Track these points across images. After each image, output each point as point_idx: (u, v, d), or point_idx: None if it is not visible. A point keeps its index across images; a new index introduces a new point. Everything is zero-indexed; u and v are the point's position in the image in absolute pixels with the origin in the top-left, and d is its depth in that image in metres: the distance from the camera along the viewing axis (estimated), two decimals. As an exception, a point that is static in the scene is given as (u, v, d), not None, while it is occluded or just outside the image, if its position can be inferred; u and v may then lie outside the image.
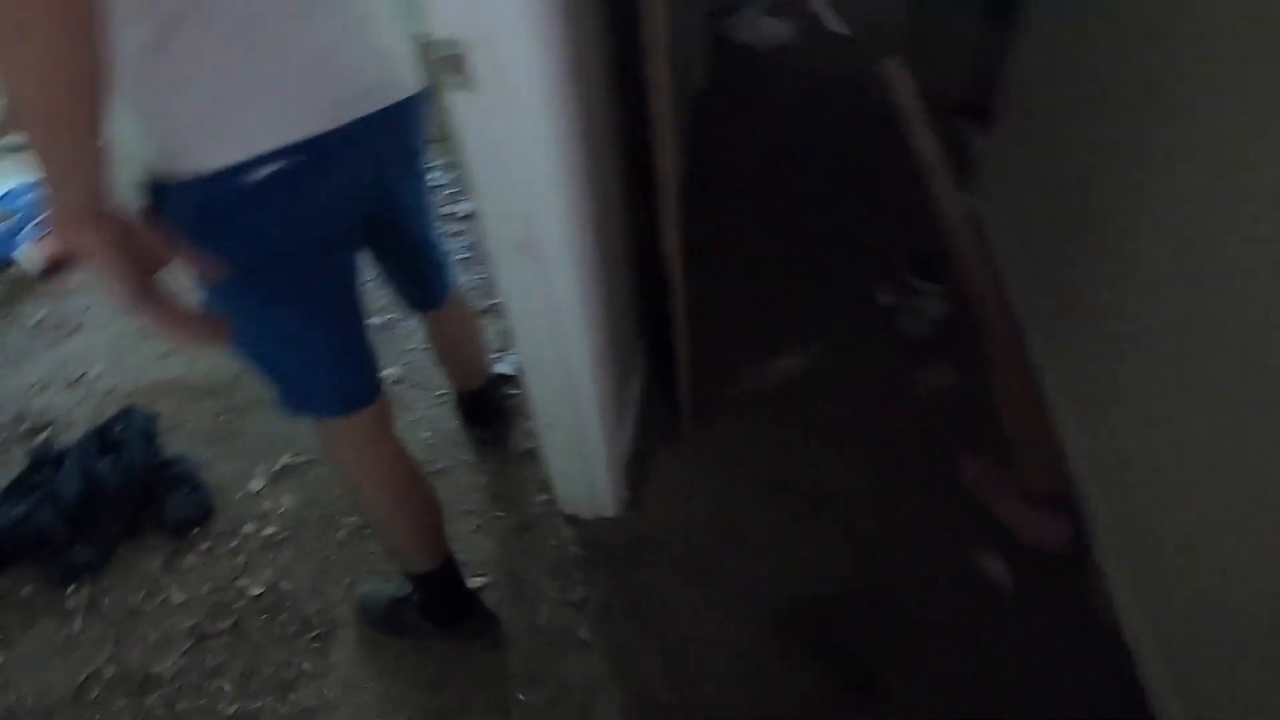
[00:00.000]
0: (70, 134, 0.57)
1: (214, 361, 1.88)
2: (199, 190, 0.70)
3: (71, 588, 1.41)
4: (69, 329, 2.04)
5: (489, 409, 1.57)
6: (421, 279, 1.20)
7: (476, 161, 0.88)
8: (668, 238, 1.11)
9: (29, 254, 2.23)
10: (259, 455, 1.63)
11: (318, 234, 0.82)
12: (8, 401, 1.83)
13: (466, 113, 0.83)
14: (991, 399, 1.57)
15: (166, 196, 0.72)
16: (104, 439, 1.65)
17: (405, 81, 0.84)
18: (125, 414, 1.71)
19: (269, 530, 1.47)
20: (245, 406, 1.75)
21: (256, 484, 1.56)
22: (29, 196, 2.55)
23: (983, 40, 2.23)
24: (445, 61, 0.79)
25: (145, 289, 0.68)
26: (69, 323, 2.05)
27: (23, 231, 2.34)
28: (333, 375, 0.92)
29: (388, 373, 1.76)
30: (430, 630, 1.23)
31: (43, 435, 1.73)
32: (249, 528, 1.48)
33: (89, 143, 0.59)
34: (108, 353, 1.94)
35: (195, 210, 0.72)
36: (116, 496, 1.52)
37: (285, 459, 1.61)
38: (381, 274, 1.17)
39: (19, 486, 1.57)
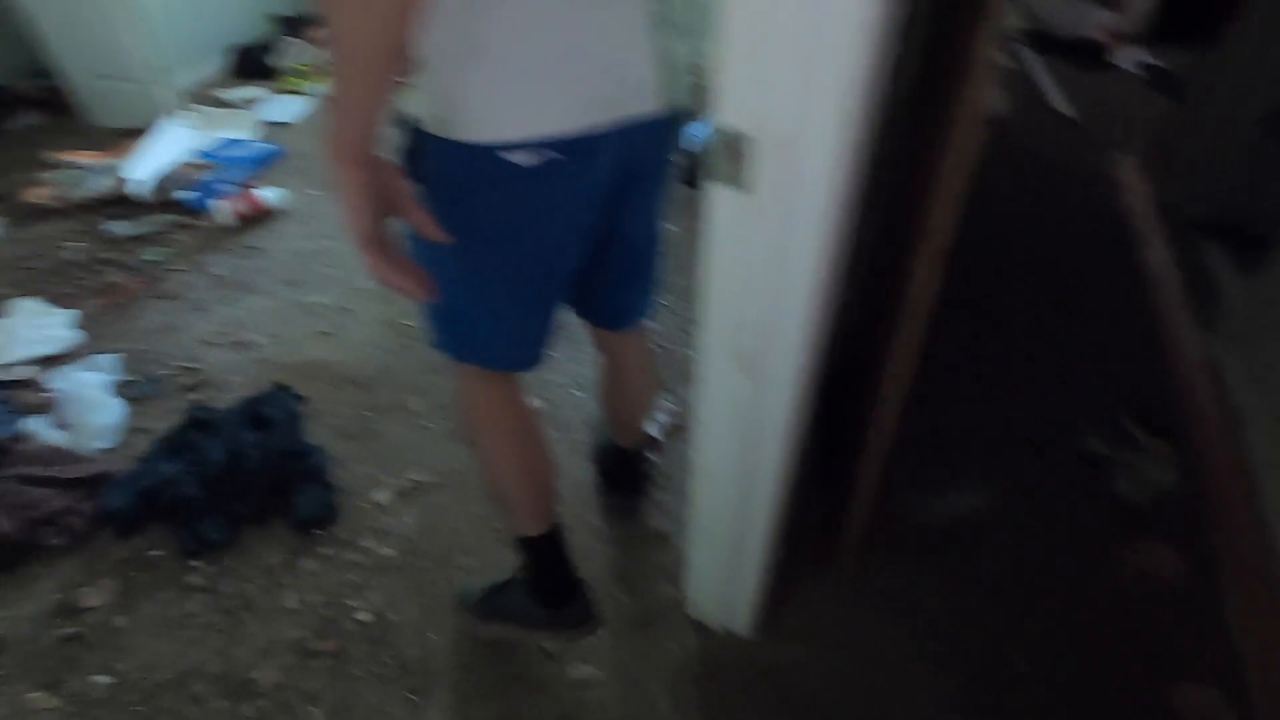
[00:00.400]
0: (372, 80, 0.64)
1: (367, 352, 1.89)
2: (457, 154, 0.74)
3: (196, 562, 1.41)
4: (243, 289, 2.12)
5: (632, 475, 1.46)
6: (622, 293, 1.11)
7: (720, 262, 0.76)
8: (902, 363, 0.95)
9: (223, 207, 2.35)
10: (390, 464, 1.60)
11: (550, 225, 0.83)
12: (180, 350, 1.91)
13: (728, 211, 0.71)
14: (1223, 606, 1.29)
15: (425, 148, 0.75)
16: (253, 413, 1.67)
17: (678, 92, 0.83)
18: (276, 391, 1.74)
19: (387, 551, 1.42)
20: (387, 407, 1.74)
21: (382, 496, 1.53)
22: (233, 151, 2.71)
23: (1262, 153, 1.90)
24: (723, 151, 0.67)
25: (378, 231, 0.73)
26: (244, 283, 2.13)
27: (221, 184, 2.48)
28: (504, 343, 0.95)
29: (529, 404, 1.69)
30: (532, 612, 1.19)
31: (203, 393, 1.79)
32: (368, 542, 1.44)
33: (382, 90, 0.66)
34: (272, 322, 2.00)
35: (446, 170, 0.76)
36: (255, 476, 1.52)
37: (415, 474, 1.57)
38: (583, 276, 1.04)
39: (174, 442, 1.61)
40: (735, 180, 0.68)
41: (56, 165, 2.56)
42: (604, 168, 0.81)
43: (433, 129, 0.74)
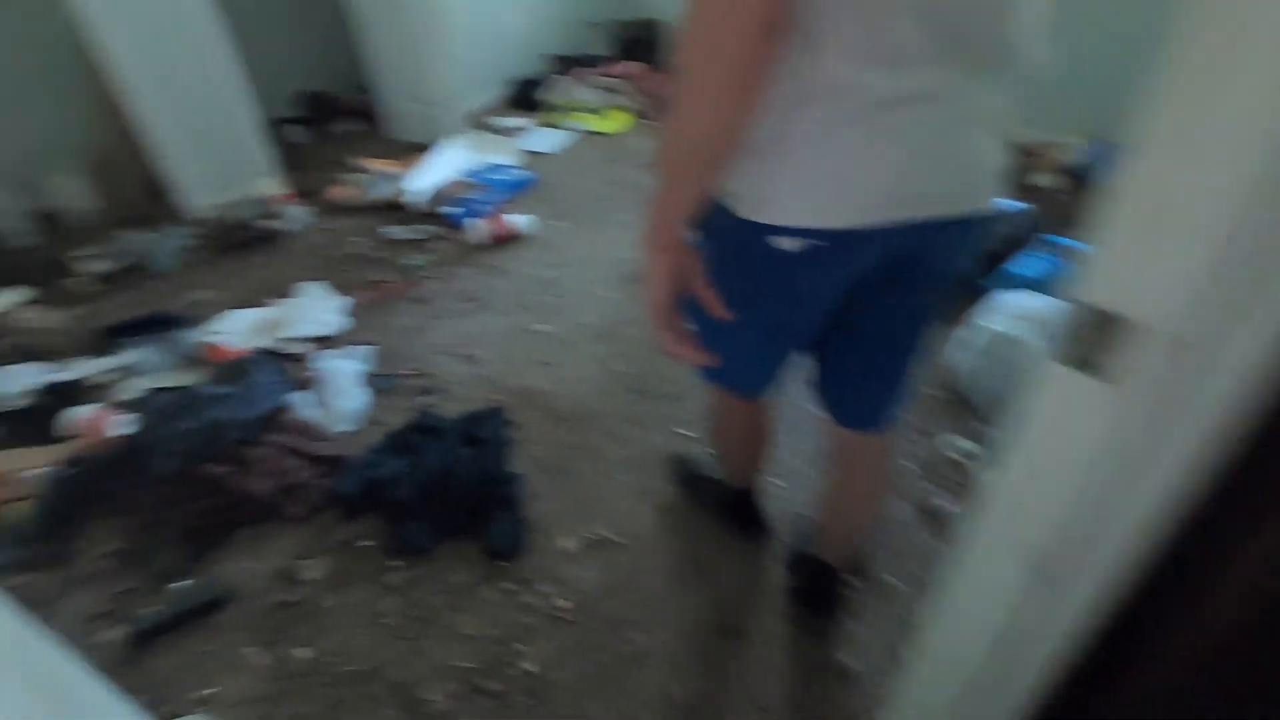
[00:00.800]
0: (702, 174, 0.73)
1: (578, 389, 1.94)
2: (731, 222, 0.80)
3: (397, 562, 1.51)
4: (482, 306, 2.29)
5: (826, 595, 1.33)
6: (865, 387, 1.04)
7: (1038, 447, 0.63)
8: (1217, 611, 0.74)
9: (479, 225, 2.58)
10: (581, 511, 1.60)
11: (800, 298, 0.87)
12: (419, 353, 2.10)
13: (1069, 394, 0.58)
14: None
15: (718, 214, 0.81)
16: (470, 429, 1.78)
17: (980, 196, 0.81)
18: (492, 413, 1.83)
19: (562, 603, 1.42)
20: (587, 449, 1.76)
21: (568, 543, 1.54)
22: (495, 175, 2.97)
23: None
24: (1083, 329, 0.55)
25: (672, 307, 0.82)
26: (483, 300, 2.30)
27: (481, 204, 2.72)
28: (743, 378, 1.09)
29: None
30: (715, 515, 1.53)
31: (432, 398, 1.94)
32: (546, 588, 1.45)
33: (701, 188, 0.74)
34: (500, 342, 2.13)
35: (721, 232, 0.82)
36: (462, 493, 1.60)
37: (602, 528, 1.56)
38: (825, 359, 1.04)
39: (400, 441, 1.76)
40: (1090, 365, 0.56)
41: (357, 169, 2.98)
42: (870, 257, 0.82)
43: (719, 197, 0.81)
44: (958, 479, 1.62)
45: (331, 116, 3.56)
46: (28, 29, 2.65)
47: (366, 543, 1.56)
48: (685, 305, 0.91)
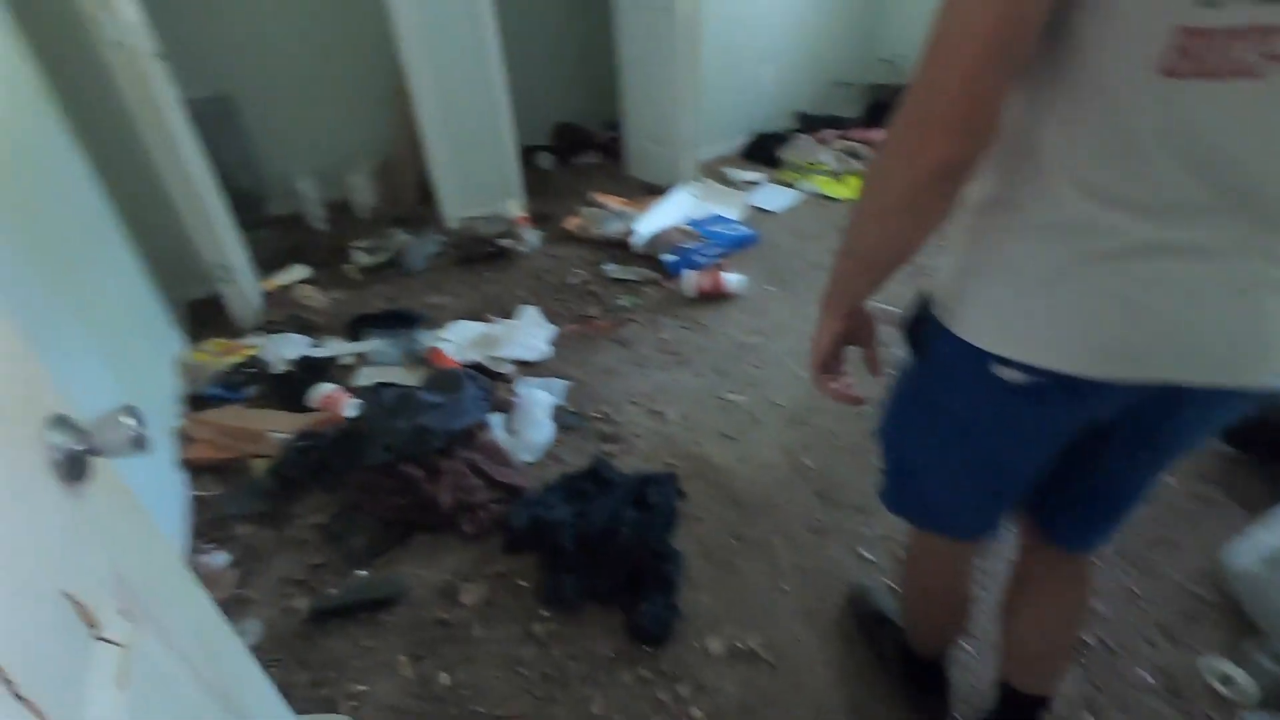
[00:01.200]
0: (874, 276, 0.76)
1: (757, 473, 1.84)
2: (949, 340, 0.76)
3: (545, 612, 1.51)
4: (679, 361, 2.27)
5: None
6: (1072, 506, 0.94)
7: None
8: None
9: (690, 277, 2.58)
10: (738, 614, 1.50)
11: (1017, 434, 0.80)
12: (610, 397, 2.13)
13: None
14: None
15: (928, 321, 0.80)
16: (641, 490, 1.75)
17: (1254, 371, 0.67)
18: (665, 479, 1.79)
19: (697, 712, 1.32)
20: (755, 543, 1.65)
21: (715, 646, 1.44)
22: (717, 227, 2.97)
23: None
24: None
25: (832, 359, 0.87)
26: (682, 356, 2.29)
27: (698, 256, 2.73)
28: (952, 512, 0.96)
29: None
30: (893, 672, 1.33)
31: (611, 445, 1.95)
32: (683, 689, 1.36)
33: (881, 283, 0.76)
34: (689, 402, 2.09)
35: (936, 349, 0.79)
36: (620, 559, 1.57)
37: (754, 640, 1.44)
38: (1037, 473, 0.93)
39: (573, 485, 1.78)
40: None
41: (593, 203, 3.14)
42: (1107, 409, 0.75)
43: (938, 310, 0.78)
44: (1211, 713, 1.28)
45: (578, 149, 3.81)
46: (354, 51, 3.15)
47: (522, 582, 1.59)
48: (889, 440, 0.96)
